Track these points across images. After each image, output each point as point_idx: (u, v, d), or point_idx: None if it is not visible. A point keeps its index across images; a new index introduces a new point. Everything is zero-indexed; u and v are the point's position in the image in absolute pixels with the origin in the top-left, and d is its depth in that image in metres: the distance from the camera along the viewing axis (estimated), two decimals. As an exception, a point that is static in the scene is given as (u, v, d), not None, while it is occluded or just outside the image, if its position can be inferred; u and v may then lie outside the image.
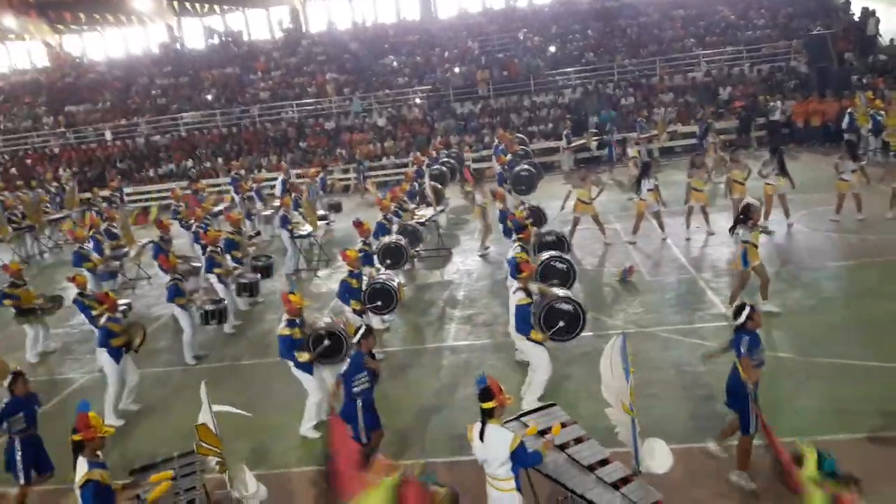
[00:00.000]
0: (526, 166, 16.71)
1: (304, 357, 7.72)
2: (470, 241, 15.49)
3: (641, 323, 9.82)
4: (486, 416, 4.89)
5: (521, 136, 21.76)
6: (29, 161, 28.08)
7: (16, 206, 20.17)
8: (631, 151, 17.79)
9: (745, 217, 9.19)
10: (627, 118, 23.26)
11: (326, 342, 7.78)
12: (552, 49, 28.11)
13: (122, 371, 8.88)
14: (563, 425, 5.67)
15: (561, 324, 7.72)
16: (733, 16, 27.71)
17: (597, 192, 13.62)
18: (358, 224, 11.30)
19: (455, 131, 24.94)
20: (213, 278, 11.61)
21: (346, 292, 9.28)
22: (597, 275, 12.25)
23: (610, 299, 10.99)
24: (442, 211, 16.14)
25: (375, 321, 9.89)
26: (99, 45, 38.68)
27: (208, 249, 11.85)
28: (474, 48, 29.05)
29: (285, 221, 14.68)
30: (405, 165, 23.47)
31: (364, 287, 9.54)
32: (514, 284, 7.86)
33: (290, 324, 7.78)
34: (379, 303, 9.47)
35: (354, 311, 9.22)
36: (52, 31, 37.16)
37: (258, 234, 16.42)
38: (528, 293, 7.68)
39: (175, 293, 10.26)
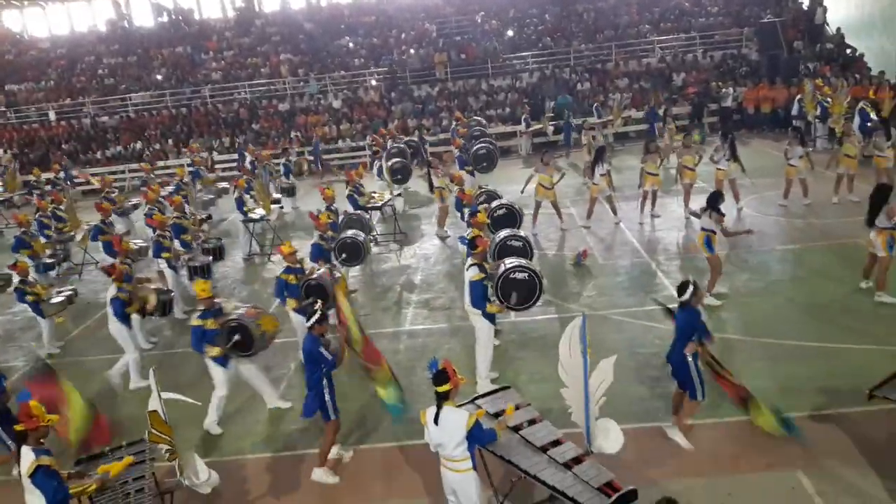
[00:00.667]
0: (483, 144, 16.72)
1: (213, 352, 7.47)
2: (427, 225, 15.45)
3: (595, 306, 9.94)
4: (441, 398, 4.88)
5: (479, 118, 21.76)
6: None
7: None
8: (584, 137, 17.93)
9: (712, 205, 9.28)
10: (584, 103, 23.44)
11: (236, 337, 7.48)
12: (510, 33, 28.09)
13: (135, 336, 9.24)
14: (517, 407, 5.72)
15: (514, 295, 7.80)
16: (687, 3, 28.09)
17: (558, 178, 13.70)
18: (314, 217, 10.94)
19: (412, 114, 24.78)
20: (162, 263, 11.32)
21: (284, 289, 8.87)
22: (553, 260, 12.34)
23: (565, 283, 11.09)
24: (399, 195, 16.06)
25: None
26: (41, 22, 37.09)
27: (156, 233, 11.56)
28: (432, 30, 28.82)
29: (240, 204, 14.40)
30: (361, 149, 23.27)
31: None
32: (468, 261, 7.85)
33: (203, 314, 7.50)
34: (345, 255, 9.39)
35: (293, 309, 8.83)
36: (-10, 5, 35.52)
37: (209, 217, 16.06)
38: (483, 269, 7.68)
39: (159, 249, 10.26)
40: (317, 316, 6.44)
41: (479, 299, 7.67)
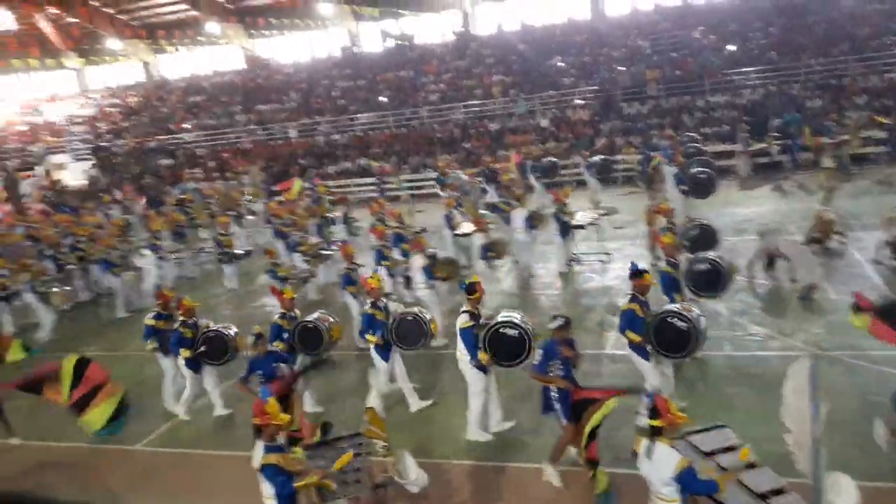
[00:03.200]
0: (703, 168, 15.85)
1: (185, 353, 8.95)
2: (632, 246, 15.05)
3: (825, 345, 9.04)
4: (654, 433, 4.78)
5: (692, 135, 20.77)
6: (225, 155, 31.02)
7: (212, 196, 22.43)
8: (827, 159, 16.33)
9: None
10: (814, 121, 21.40)
11: (202, 348, 8.90)
12: (730, 47, 26.51)
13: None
14: (733, 448, 5.40)
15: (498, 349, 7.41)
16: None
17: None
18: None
19: (621, 132, 24.30)
20: (382, 271, 12.21)
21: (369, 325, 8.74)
22: (775, 288, 11.42)
23: (789, 316, 10.22)
24: (605, 214, 15.81)
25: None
26: (286, 49, 41.88)
27: (378, 243, 12.52)
28: (644, 47, 28.09)
29: (448, 221, 15.13)
30: (566, 167, 23.24)
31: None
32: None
33: (183, 323, 9.08)
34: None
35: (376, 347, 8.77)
36: (247, 36, 40.79)
37: (424, 230, 16.99)
38: (473, 316, 7.58)
39: (348, 282, 10.98)
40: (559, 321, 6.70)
41: (470, 347, 7.54)
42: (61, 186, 30.87)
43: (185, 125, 34.20)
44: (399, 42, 35.78)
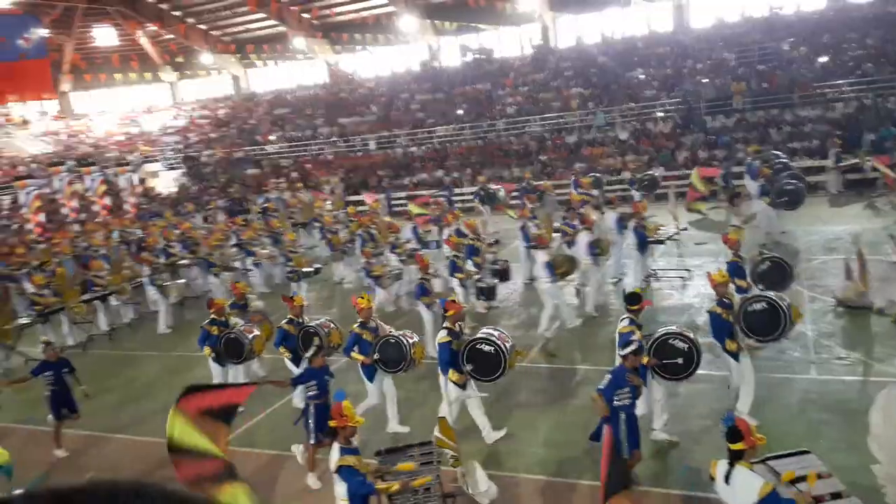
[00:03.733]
0: (791, 179, 15.25)
1: (206, 351, 9.81)
2: (713, 263, 14.61)
3: (920, 373, 8.54)
4: (734, 457, 4.64)
5: (778, 152, 20.01)
6: (308, 166, 32.02)
7: (296, 206, 23.19)
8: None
9: None
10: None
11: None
12: (822, 59, 25.42)
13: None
14: (820, 476, 5.19)
15: (470, 366, 7.75)
16: None
17: None
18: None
19: (703, 146, 23.66)
20: (454, 282, 12.35)
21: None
22: (864, 312, 10.87)
23: (879, 342, 9.70)
24: (685, 229, 15.44)
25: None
26: (368, 63, 42.93)
27: (451, 254, 12.66)
28: (730, 59, 27.30)
29: (524, 232, 15.12)
30: (643, 181, 22.79)
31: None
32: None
33: (212, 322, 9.89)
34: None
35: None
36: (332, 50, 42.06)
37: (497, 242, 17.08)
38: (452, 332, 7.89)
39: (422, 292, 11.12)
40: (632, 347, 6.53)
41: (443, 363, 7.84)
42: (154, 193, 32.60)
43: (270, 137, 35.53)
44: (477, 56, 36.08)
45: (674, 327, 7.71)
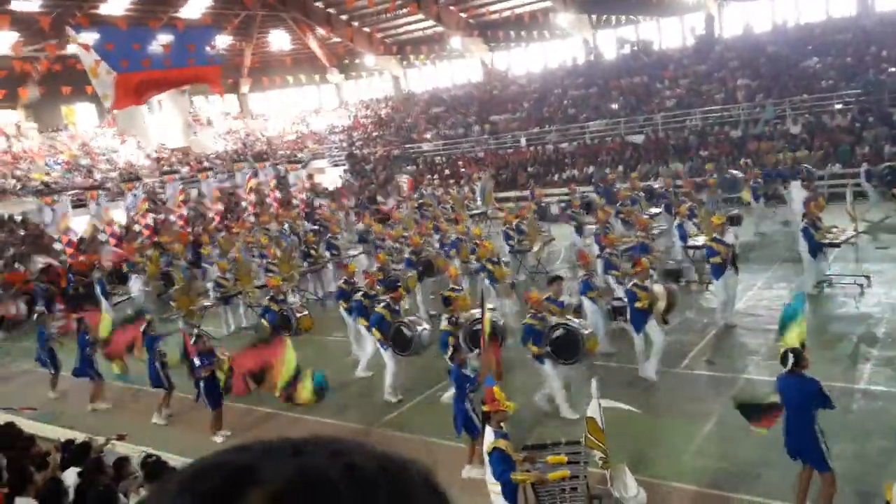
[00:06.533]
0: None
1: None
2: (893, 268, 13.25)
3: None
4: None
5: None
6: (460, 163, 32.73)
7: (447, 201, 23.82)
8: None
9: None
10: None
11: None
12: None
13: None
14: None
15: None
16: None
17: None
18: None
19: (888, 140, 21.38)
20: (611, 279, 12.15)
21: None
22: None
23: None
24: (864, 232, 14.10)
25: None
26: (522, 60, 42.97)
27: (606, 251, 12.47)
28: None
29: (681, 231, 14.57)
30: (822, 178, 21.00)
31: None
32: None
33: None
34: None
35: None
36: (488, 49, 42.57)
37: (652, 238, 16.54)
38: (450, 320, 9.24)
39: (587, 287, 10.90)
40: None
41: (442, 345, 8.92)
42: (321, 189, 34.82)
43: (426, 135, 36.68)
44: (634, 48, 34.96)
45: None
